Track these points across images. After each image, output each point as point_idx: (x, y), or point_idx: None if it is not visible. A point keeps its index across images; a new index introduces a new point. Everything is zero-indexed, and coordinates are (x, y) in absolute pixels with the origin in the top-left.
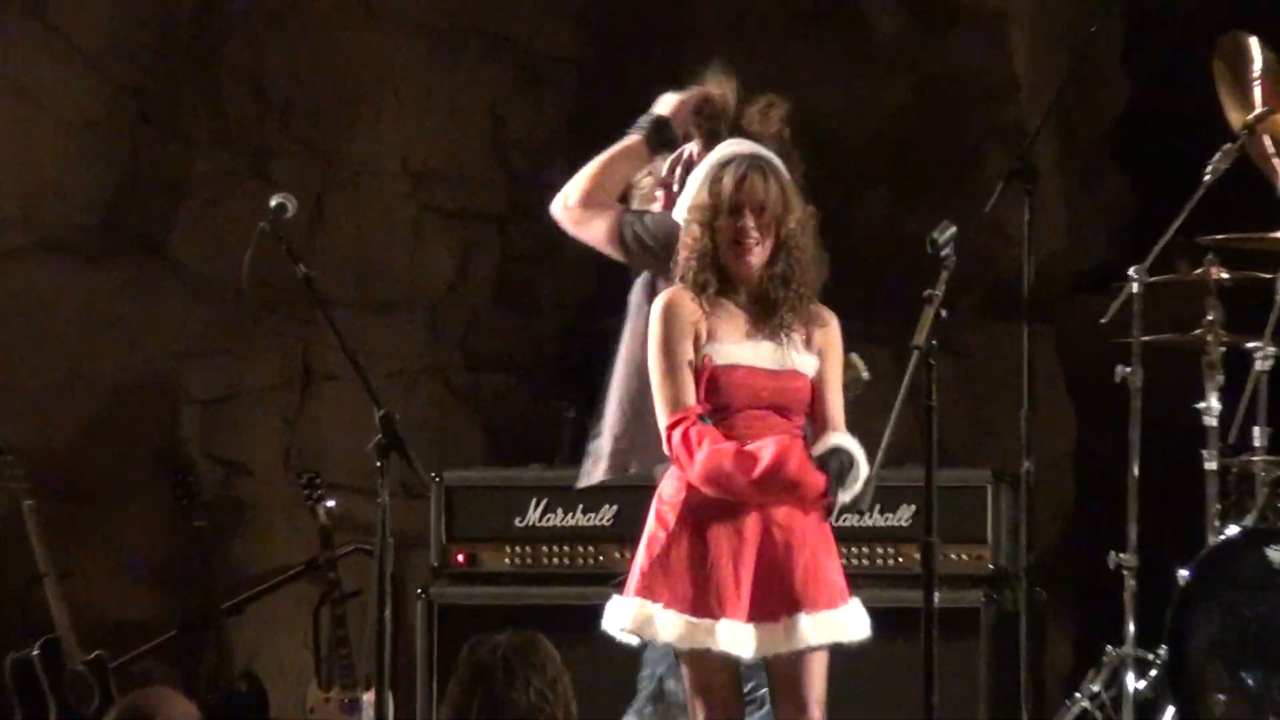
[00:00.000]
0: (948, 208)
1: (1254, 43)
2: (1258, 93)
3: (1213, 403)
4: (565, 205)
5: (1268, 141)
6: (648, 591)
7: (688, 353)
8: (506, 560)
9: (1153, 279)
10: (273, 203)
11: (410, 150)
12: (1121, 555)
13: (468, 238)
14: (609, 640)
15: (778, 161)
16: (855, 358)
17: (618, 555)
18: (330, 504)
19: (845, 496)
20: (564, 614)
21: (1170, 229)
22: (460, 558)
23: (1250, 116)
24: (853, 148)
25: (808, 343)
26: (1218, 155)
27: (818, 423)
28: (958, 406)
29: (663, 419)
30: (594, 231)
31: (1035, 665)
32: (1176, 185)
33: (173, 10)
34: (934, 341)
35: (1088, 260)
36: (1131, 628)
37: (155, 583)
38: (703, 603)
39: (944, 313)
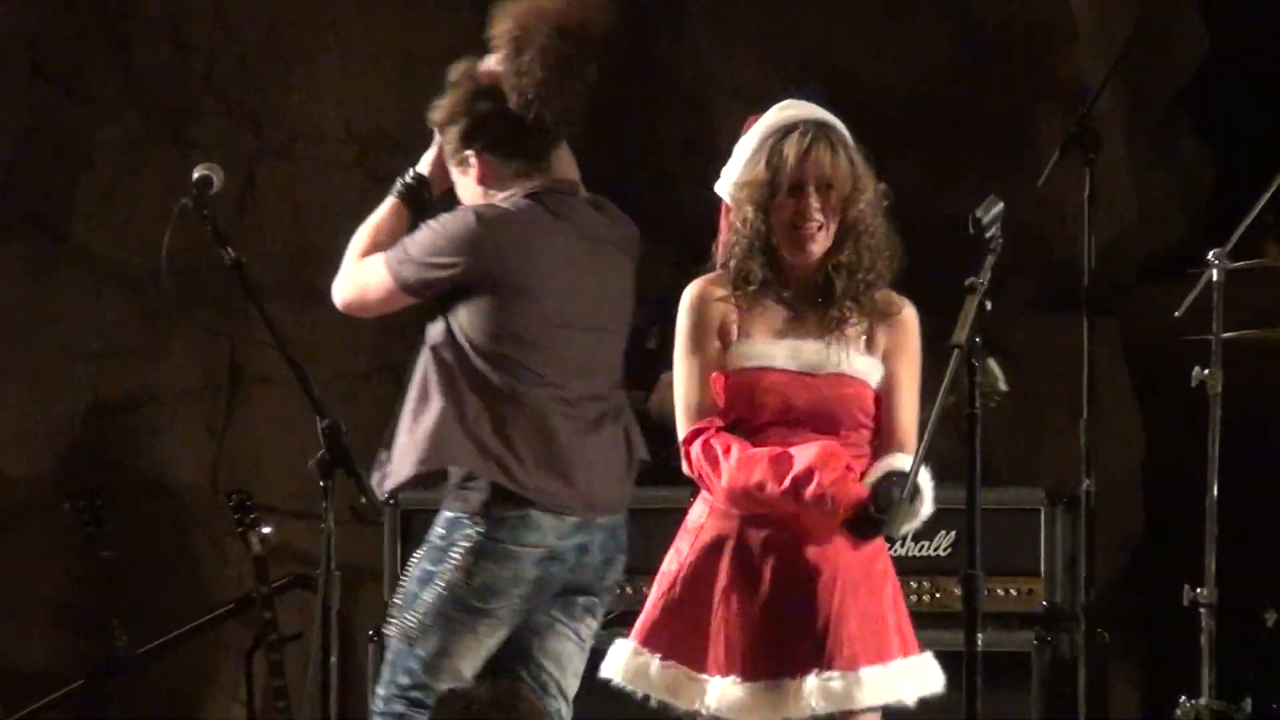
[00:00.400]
0: (993, 180)
1: None
2: None
3: None
4: (344, 305)
5: None
6: (648, 637)
7: (715, 354)
8: None
9: (1236, 264)
10: (195, 175)
11: (355, 111)
12: (1198, 590)
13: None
14: (589, 686)
15: (844, 129)
16: (994, 364)
17: None
18: (265, 530)
19: (898, 529)
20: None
21: (1257, 205)
22: None
23: None
24: (881, 108)
25: (869, 342)
26: None
27: (884, 439)
28: (1006, 415)
29: (681, 428)
30: (387, 307)
31: (1097, 717)
32: (1263, 153)
33: None
34: (978, 339)
35: (1159, 242)
36: (1209, 676)
37: (57, 624)
38: (700, 655)
39: (989, 305)
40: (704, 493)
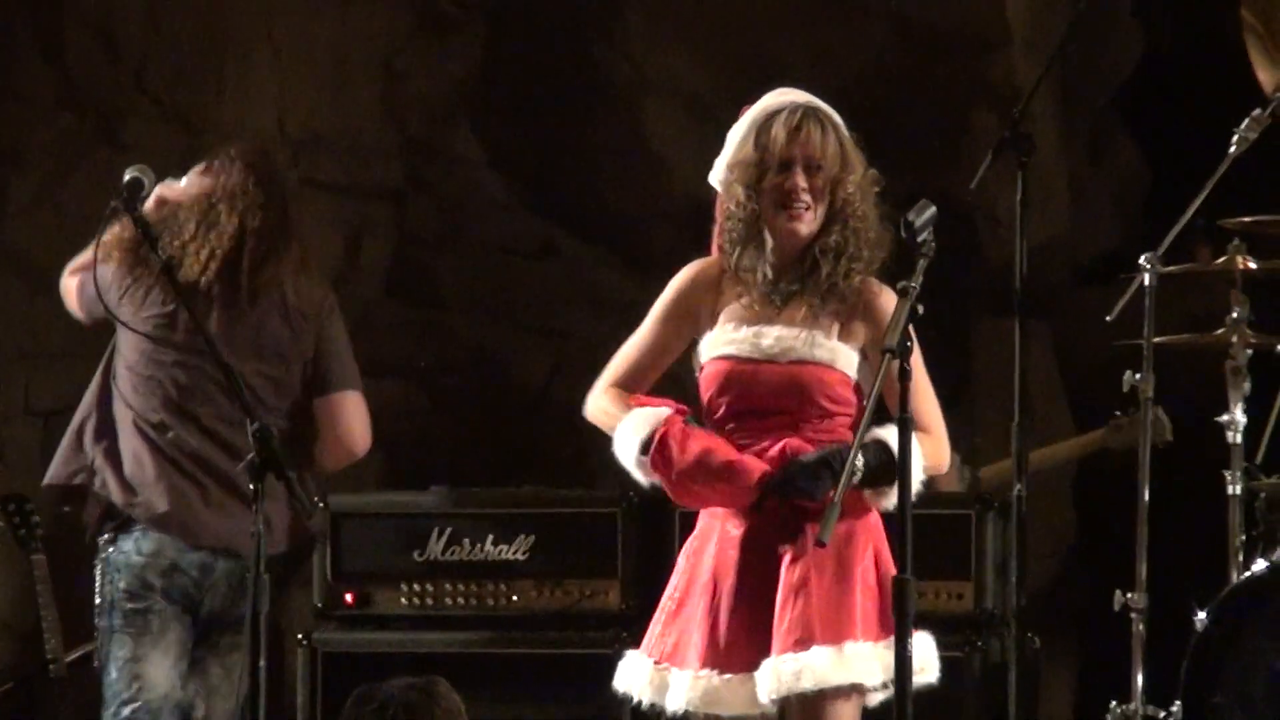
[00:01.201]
0: (928, 184)
1: None
2: None
3: (1237, 415)
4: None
5: None
6: (665, 651)
7: (670, 334)
8: (403, 600)
9: (1168, 269)
10: (126, 176)
11: (288, 112)
12: (1129, 595)
13: (358, 217)
14: (525, 695)
15: (835, 114)
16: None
17: (534, 594)
18: None
19: (884, 502)
20: (471, 664)
21: (1189, 210)
22: (349, 598)
23: None
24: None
25: (844, 330)
26: (1245, 123)
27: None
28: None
29: (602, 378)
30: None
31: None
32: (1197, 158)
33: None
34: (909, 343)
35: (1093, 246)
36: (1140, 680)
37: None
38: (715, 654)
39: (921, 308)
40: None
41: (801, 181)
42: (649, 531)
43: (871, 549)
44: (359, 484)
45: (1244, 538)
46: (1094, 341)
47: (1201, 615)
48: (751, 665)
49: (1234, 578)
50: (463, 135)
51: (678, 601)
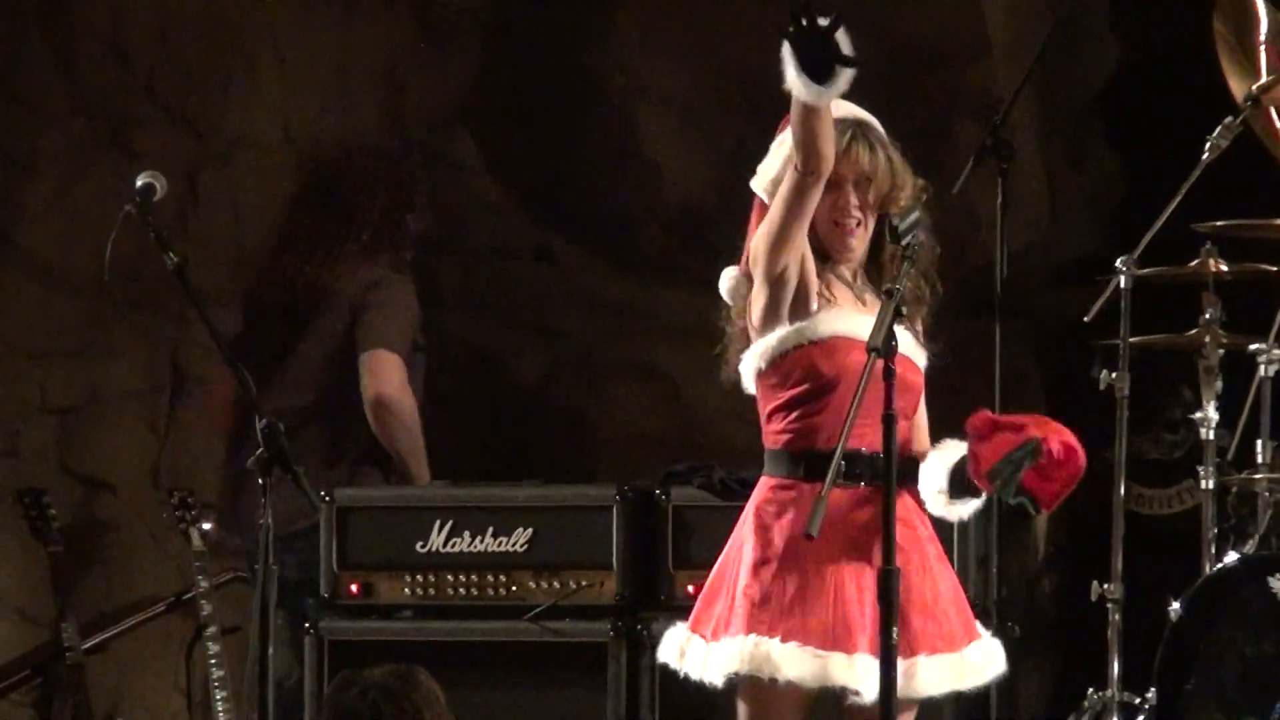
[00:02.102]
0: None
1: (1260, 1)
2: (1264, 58)
3: (1210, 413)
4: None
5: (1275, 114)
6: (763, 626)
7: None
8: (406, 590)
9: (1143, 271)
10: (138, 182)
11: (293, 119)
12: (1105, 586)
13: None
14: (522, 681)
15: (880, 128)
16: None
17: (532, 585)
18: (205, 527)
19: (959, 511)
20: (472, 652)
21: (1163, 215)
22: (354, 588)
23: (1255, 86)
24: None
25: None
26: (1218, 130)
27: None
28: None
29: None
30: None
31: (1007, 708)
32: (1171, 164)
33: None
34: (894, 342)
35: (1070, 250)
36: (1116, 668)
37: (4, 617)
38: (831, 634)
39: (905, 309)
40: (766, 481)
41: (853, 199)
42: (643, 525)
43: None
44: (364, 478)
45: (1216, 531)
46: (1071, 341)
47: (1175, 605)
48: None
49: (1206, 569)
50: (461, 142)
51: (786, 581)
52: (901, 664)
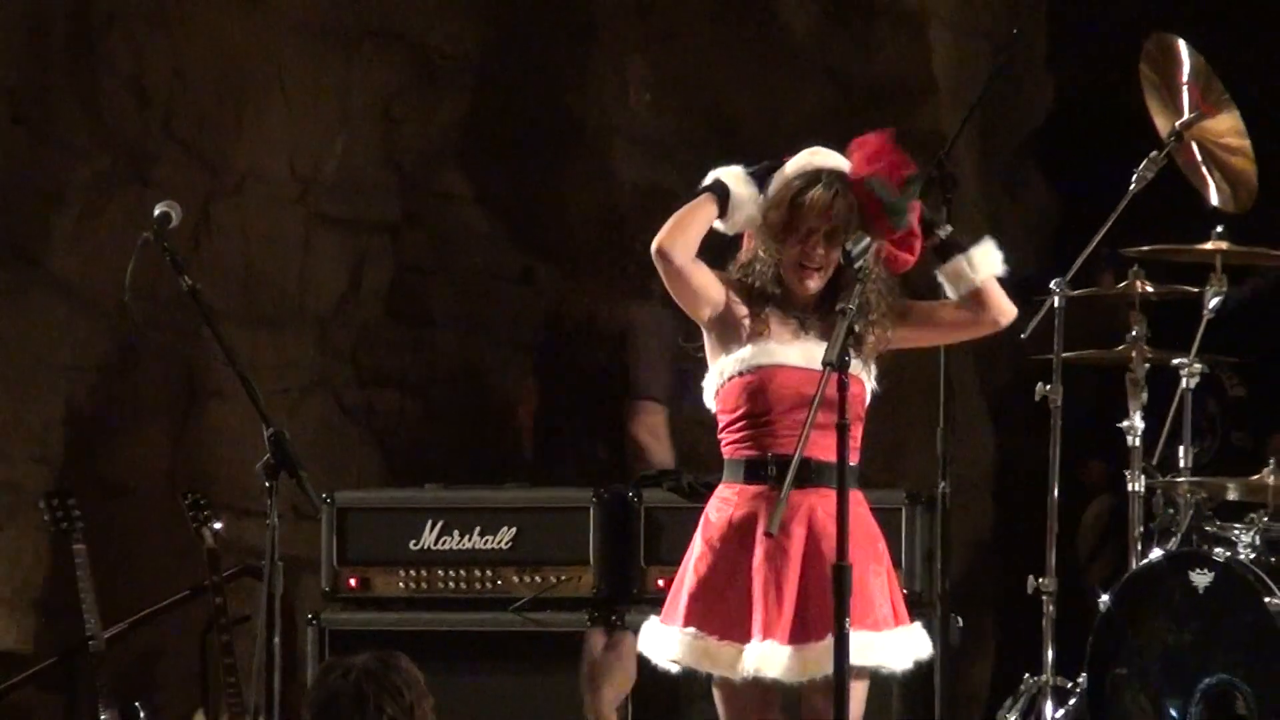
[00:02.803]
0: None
1: (1182, 45)
2: (1186, 98)
3: (1136, 421)
4: None
5: (1196, 149)
6: (699, 620)
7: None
8: (401, 585)
9: (1075, 292)
10: (156, 211)
11: (298, 154)
12: (1041, 580)
13: (359, 247)
14: (507, 668)
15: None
16: None
17: (516, 580)
18: (217, 526)
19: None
20: (461, 641)
21: (1094, 240)
22: (352, 582)
23: (1178, 123)
24: (763, 151)
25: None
26: (1144, 163)
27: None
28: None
29: None
30: None
31: (951, 693)
32: (1101, 194)
33: (46, 5)
34: (847, 357)
35: (1008, 273)
36: (1050, 655)
37: (35, 609)
38: (737, 625)
39: (858, 327)
40: (720, 489)
41: (821, 249)
42: (617, 524)
43: (886, 551)
44: (361, 482)
45: (1142, 529)
46: (1010, 356)
47: (1105, 598)
48: (804, 638)
49: (1133, 565)
50: (452, 175)
51: (714, 580)
52: (817, 645)
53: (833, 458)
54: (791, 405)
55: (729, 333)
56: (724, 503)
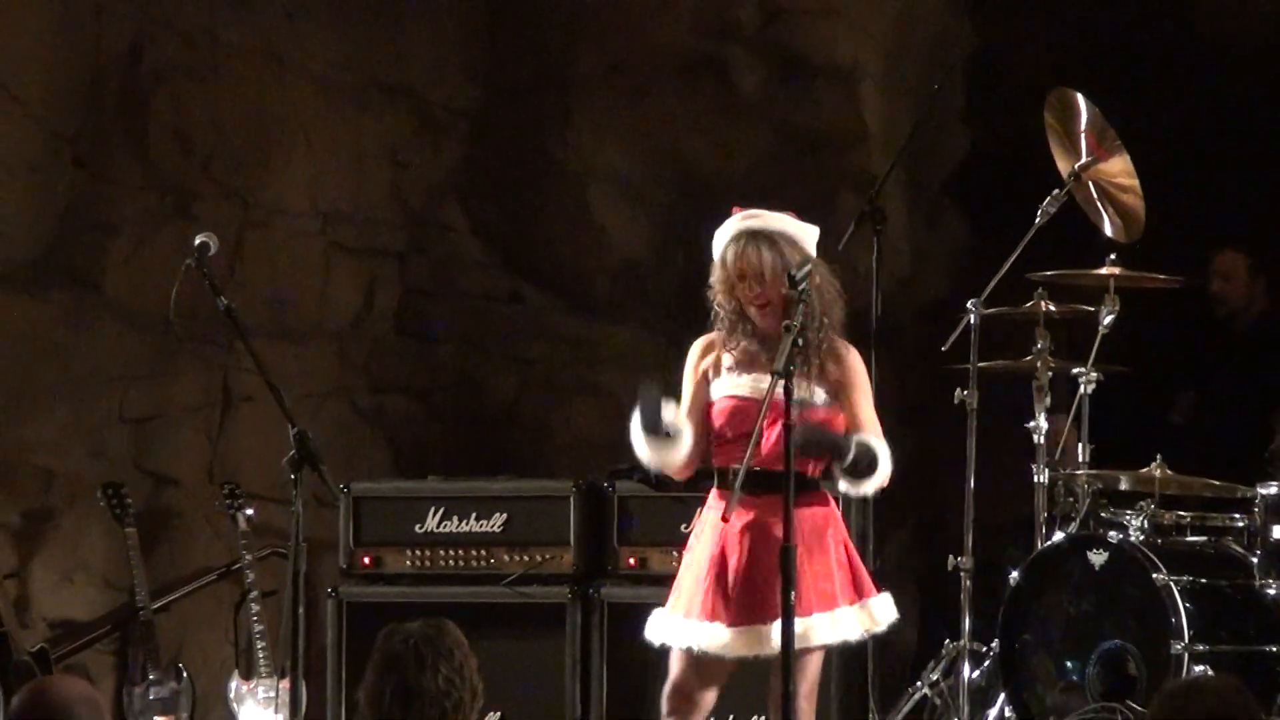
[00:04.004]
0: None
1: (1080, 98)
2: (1084, 143)
3: (1041, 422)
4: None
5: (1092, 187)
6: (674, 602)
7: (699, 386)
8: (408, 562)
9: (988, 311)
10: (196, 241)
11: (319, 192)
12: (959, 559)
13: (371, 272)
14: (499, 634)
15: (780, 223)
16: None
17: (506, 558)
18: (249, 512)
19: (859, 487)
20: (458, 611)
21: (1004, 266)
22: (366, 560)
23: (1076, 165)
24: (720, 191)
25: (821, 377)
26: (1047, 200)
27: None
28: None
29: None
30: None
31: (881, 658)
32: (1011, 226)
33: (104, 66)
34: (792, 367)
35: (930, 294)
36: (967, 623)
37: (93, 584)
38: (698, 606)
39: (800, 341)
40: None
41: (750, 292)
42: (594, 510)
43: (838, 536)
44: (373, 474)
45: (1046, 515)
46: (931, 366)
47: (1014, 574)
48: (749, 621)
49: (1039, 546)
50: (451, 210)
51: (690, 570)
52: (762, 627)
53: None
54: (740, 426)
55: (705, 381)
56: (707, 506)
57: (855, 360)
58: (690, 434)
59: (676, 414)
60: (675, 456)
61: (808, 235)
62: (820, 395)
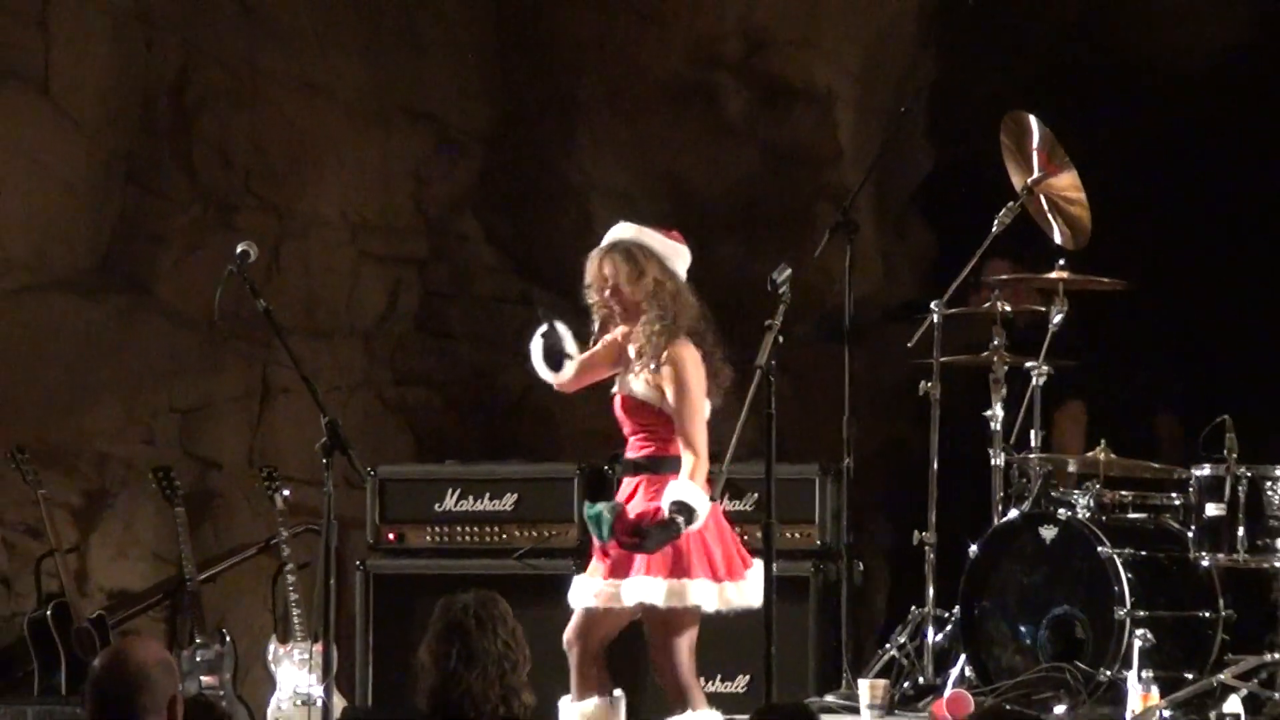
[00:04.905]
0: (785, 254)
1: (1033, 119)
2: (1036, 160)
3: (997, 411)
4: None
5: (1043, 200)
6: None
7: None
8: (428, 538)
9: (950, 311)
10: (238, 249)
11: (348, 205)
12: (924, 534)
13: (395, 277)
14: (511, 603)
15: (633, 235)
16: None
17: (518, 534)
18: (285, 493)
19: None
20: (473, 582)
21: (964, 270)
22: (391, 536)
23: (1029, 179)
24: (709, 204)
25: (655, 374)
26: (1003, 211)
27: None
28: (792, 414)
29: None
30: None
31: (854, 622)
32: (970, 235)
33: (155, 92)
34: (773, 361)
35: (897, 296)
36: (931, 592)
37: (146, 558)
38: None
39: (781, 338)
40: None
41: (600, 297)
42: (595, 491)
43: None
44: (397, 458)
45: (1002, 494)
46: (899, 361)
47: (974, 548)
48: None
49: (995, 522)
50: (467, 221)
51: None
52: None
53: (644, 454)
54: (619, 420)
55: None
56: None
57: (686, 371)
58: (574, 369)
59: (573, 350)
60: (559, 380)
61: (673, 252)
62: (641, 388)
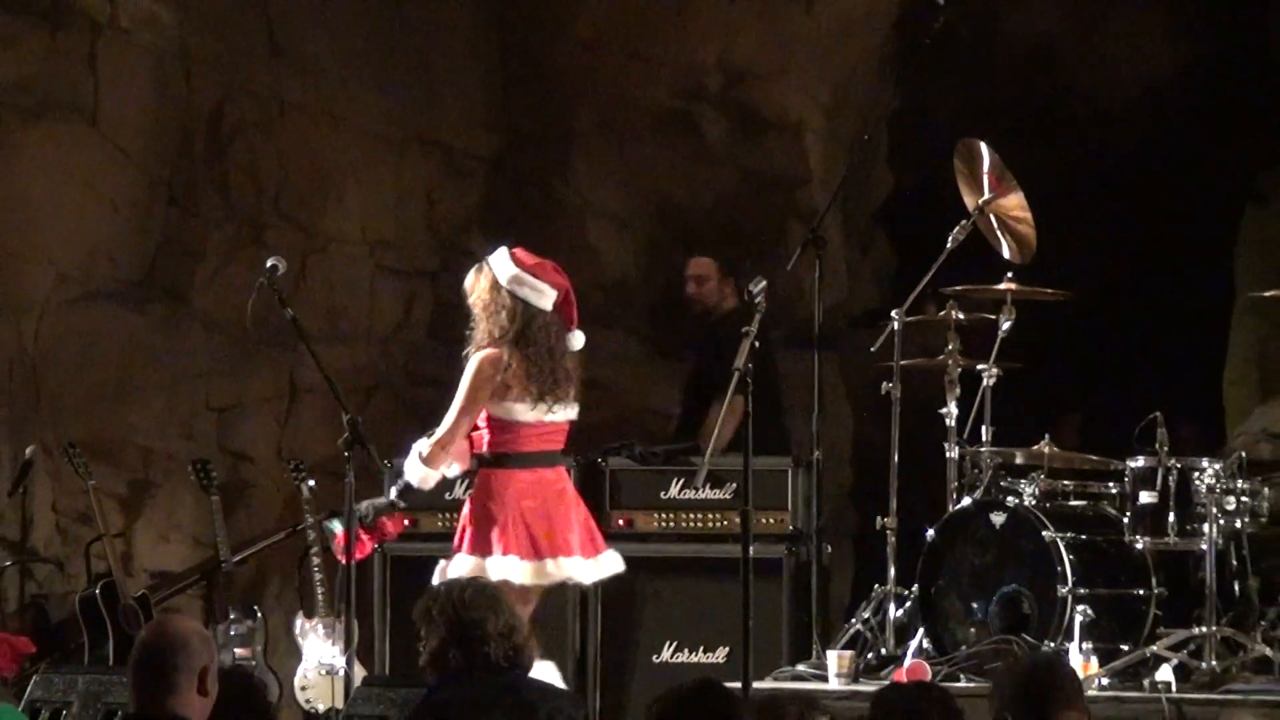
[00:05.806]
0: (761, 267)
1: (984, 146)
2: (986, 182)
3: (952, 408)
4: None
5: (993, 218)
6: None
7: None
8: (439, 524)
9: (909, 319)
10: (268, 263)
11: (368, 224)
12: (885, 519)
13: (409, 289)
14: None
15: (494, 262)
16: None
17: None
18: (311, 483)
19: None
20: None
21: (922, 282)
22: (406, 522)
23: (980, 200)
24: (692, 222)
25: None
26: (957, 229)
27: None
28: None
29: None
30: None
31: (823, 600)
32: (927, 250)
33: (193, 122)
34: (750, 365)
35: (862, 306)
36: (892, 572)
37: (185, 541)
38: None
39: (757, 344)
40: None
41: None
42: (589, 480)
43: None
44: None
45: (956, 484)
46: (863, 364)
47: (931, 532)
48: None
49: (950, 509)
50: (474, 238)
51: None
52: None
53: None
54: None
55: None
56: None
57: (469, 367)
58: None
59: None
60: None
61: (499, 264)
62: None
